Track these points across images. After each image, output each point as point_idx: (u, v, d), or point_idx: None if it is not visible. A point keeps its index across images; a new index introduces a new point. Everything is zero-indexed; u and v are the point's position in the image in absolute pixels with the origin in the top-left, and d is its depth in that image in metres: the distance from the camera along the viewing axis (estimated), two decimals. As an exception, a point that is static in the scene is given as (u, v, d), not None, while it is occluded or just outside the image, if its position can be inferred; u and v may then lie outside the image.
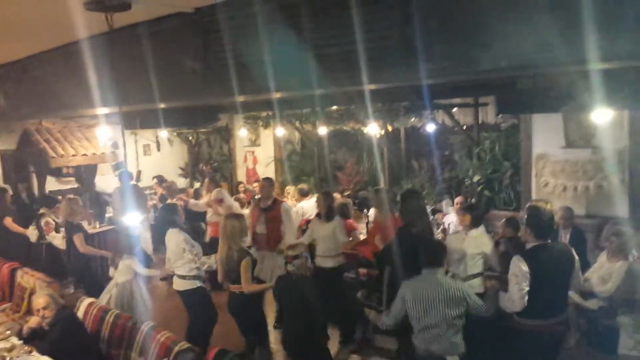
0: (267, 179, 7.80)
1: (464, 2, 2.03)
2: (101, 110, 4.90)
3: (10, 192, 9.55)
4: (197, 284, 6.06)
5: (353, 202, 9.61)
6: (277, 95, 3.34)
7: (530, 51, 1.96)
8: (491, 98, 9.04)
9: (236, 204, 9.44)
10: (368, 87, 2.27)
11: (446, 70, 2.10)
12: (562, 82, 4.06)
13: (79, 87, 3.74)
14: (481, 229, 5.74)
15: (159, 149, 13.55)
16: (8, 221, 8.99)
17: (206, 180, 11.82)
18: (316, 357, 5.18)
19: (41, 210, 8.25)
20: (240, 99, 3.39)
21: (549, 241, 4.46)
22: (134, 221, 6.03)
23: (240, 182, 12.44)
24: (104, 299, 6.29)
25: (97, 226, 9.13)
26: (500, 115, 8.96)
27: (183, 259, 5.96)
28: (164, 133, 12.50)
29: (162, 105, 5.38)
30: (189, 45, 2.88)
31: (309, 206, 9.14)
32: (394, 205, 6.40)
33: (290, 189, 10.88)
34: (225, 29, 2.86)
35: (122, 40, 3.08)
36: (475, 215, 5.70)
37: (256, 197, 8.64)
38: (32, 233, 8.38)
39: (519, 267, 4.30)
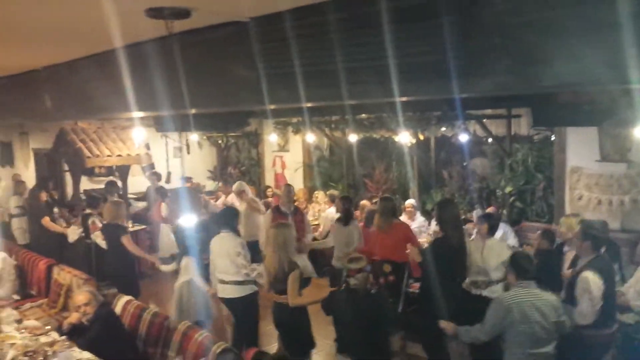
0: (288, 186, 8.17)
1: (525, 18, 2.06)
2: (145, 113, 5.03)
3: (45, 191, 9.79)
4: (254, 288, 5.95)
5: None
6: (343, 103, 3.39)
7: (594, 68, 1.98)
8: (524, 110, 9.03)
9: (257, 199, 9.55)
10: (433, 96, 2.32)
11: (508, 85, 2.13)
12: (603, 97, 4.04)
13: (132, 90, 3.85)
14: (498, 235, 6.06)
15: (188, 152, 13.71)
16: (46, 220, 9.22)
17: (220, 183, 12.02)
18: None
19: (87, 210, 8.34)
20: (288, 105, 3.47)
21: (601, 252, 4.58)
22: (190, 222, 6.19)
23: (268, 187, 12.54)
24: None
25: (131, 226, 9.29)
26: (533, 128, 8.93)
27: (235, 264, 5.81)
28: (194, 136, 12.64)
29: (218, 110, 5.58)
30: (242, 53, 2.95)
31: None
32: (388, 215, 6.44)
33: (319, 193, 10.98)
34: (278, 38, 2.93)
35: (175, 47, 3.17)
36: (492, 224, 5.82)
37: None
38: (72, 232, 8.59)
39: (594, 283, 4.37)
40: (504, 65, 2.06)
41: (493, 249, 5.66)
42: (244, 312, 5.93)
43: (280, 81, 2.97)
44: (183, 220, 6.46)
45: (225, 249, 5.88)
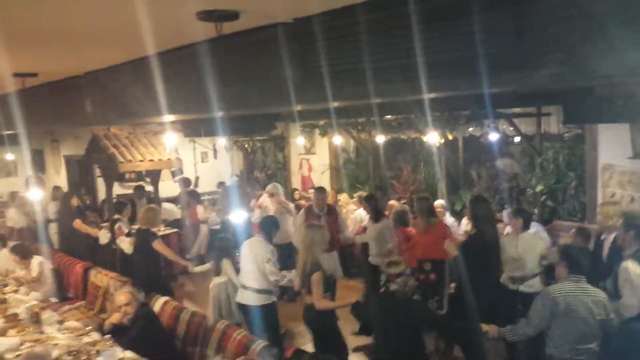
0: (319, 189, 8.16)
1: (579, 9, 2.08)
2: (184, 117, 5.09)
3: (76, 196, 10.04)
4: (273, 299, 5.86)
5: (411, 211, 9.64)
6: (374, 101, 3.42)
7: None
8: (554, 108, 8.97)
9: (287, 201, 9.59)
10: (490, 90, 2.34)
11: (563, 78, 2.14)
12: (638, 89, 4.01)
13: (170, 94, 3.94)
14: (532, 230, 6.07)
15: (215, 157, 13.88)
16: (78, 223, 9.40)
17: (249, 188, 12.07)
18: None
19: (116, 216, 8.40)
20: (335, 104, 3.51)
21: None
22: (239, 220, 6.38)
23: (295, 189, 12.64)
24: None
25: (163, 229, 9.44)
26: (564, 125, 8.86)
27: (262, 271, 5.71)
28: (221, 140, 12.78)
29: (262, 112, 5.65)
30: (287, 54, 3.00)
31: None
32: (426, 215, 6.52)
33: (342, 196, 11.03)
34: (321, 39, 2.97)
35: (223, 48, 3.24)
36: (526, 218, 5.88)
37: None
38: (104, 235, 8.73)
39: (634, 273, 4.37)
40: (558, 58, 2.08)
41: (528, 242, 5.69)
42: (260, 322, 5.74)
43: (318, 81, 3.00)
44: (234, 217, 6.58)
45: (254, 254, 5.80)
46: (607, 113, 6.40)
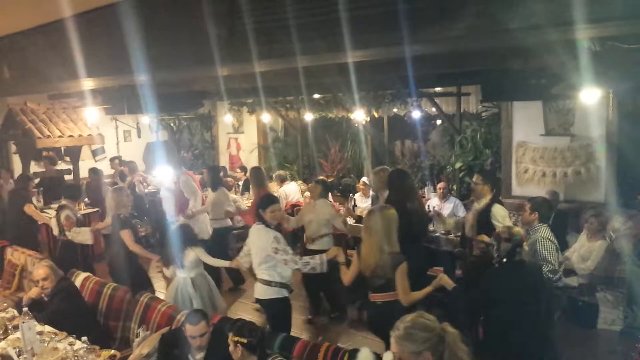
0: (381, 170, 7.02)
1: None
2: (99, 83, 4.92)
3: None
4: (284, 293, 5.16)
5: (337, 189, 9.84)
6: (302, 64, 3.45)
7: (562, 10, 2.13)
8: (473, 88, 9.36)
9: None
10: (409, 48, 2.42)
11: (479, 29, 2.26)
12: (552, 61, 4.26)
13: (92, 56, 3.83)
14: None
15: (139, 136, 13.51)
16: (29, 208, 8.12)
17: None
18: None
19: (62, 202, 7.22)
20: (264, 67, 3.51)
21: None
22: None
23: (223, 167, 12.53)
24: (168, 298, 5.61)
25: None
26: (481, 103, 9.25)
27: (271, 262, 5.06)
28: (145, 119, 12.46)
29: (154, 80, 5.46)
30: (214, 11, 2.97)
31: (291, 190, 9.62)
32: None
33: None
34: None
35: (148, 7, 3.18)
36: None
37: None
38: (54, 224, 7.28)
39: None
40: (474, 11, 2.20)
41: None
42: (272, 318, 5.25)
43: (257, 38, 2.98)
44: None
45: (259, 244, 5.14)
46: (522, 91, 6.80)
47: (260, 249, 5.07)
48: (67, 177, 10.97)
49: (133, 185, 9.77)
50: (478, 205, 5.76)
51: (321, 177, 7.63)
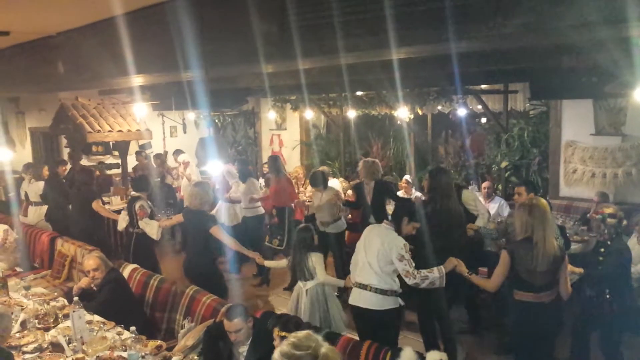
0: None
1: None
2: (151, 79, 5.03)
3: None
4: (400, 302, 4.72)
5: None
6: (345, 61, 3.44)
7: (618, 6, 2.07)
8: (521, 86, 9.16)
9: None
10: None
11: (533, 25, 2.21)
12: (604, 58, 4.13)
13: (145, 53, 3.91)
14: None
15: (185, 131, 13.74)
16: (97, 204, 8.02)
17: None
18: None
19: (134, 193, 7.17)
20: (313, 64, 3.53)
21: None
22: None
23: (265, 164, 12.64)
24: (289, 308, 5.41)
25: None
26: (529, 103, 9.07)
27: (391, 268, 4.59)
28: (191, 115, 12.67)
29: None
30: (265, 7, 2.99)
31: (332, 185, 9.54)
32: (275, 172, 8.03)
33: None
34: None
35: (196, 5, 3.23)
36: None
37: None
38: (122, 218, 7.18)
39: None
40: (527, 7, 2.15)
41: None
42: (380, 329, 4.65)
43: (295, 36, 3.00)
44: None
45: (379, 247, 4.61)
46: (572, 89, 6.61)
47: (381, 253, 4.57)
48: (116, 171, 11.33)
49: (163, 175, 10.16)
50: None
51: None
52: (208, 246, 5.97)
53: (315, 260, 5.24)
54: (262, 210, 8.40)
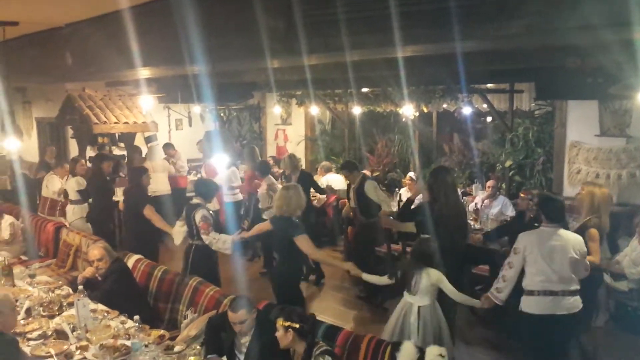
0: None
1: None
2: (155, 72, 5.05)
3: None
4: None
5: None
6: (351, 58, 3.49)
7: (621, 9, 2.09)
8: (526, 85, 9.16)
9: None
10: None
11: (536, 28, 2.23)
12: (608, 61, 4.15)
13: (151, 46, 3.95)
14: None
15: (190, 124, 13.80)
16: (149, 210, 6.70)
17: None
18: None
19: (195, 200, 5.92)
20: (319, 60, 3.56)
21: None
22: None
23: (271, 157, 12.70)
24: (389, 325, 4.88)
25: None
26: (535, 102, 9.07)
27: (567, 273, 4.42)
28: (196, 108, 12.73)
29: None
30: (272, 3, 3.02)
31: (334, 180, 9.89)
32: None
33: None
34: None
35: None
36: None
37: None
38: (178, 232, 6.14)
39: None
40: (533, 8, 2.17)
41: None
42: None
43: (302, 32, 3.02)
44: None
45: (564, 250, 4.42)
46: (578, 90, 6.63)
47: (562, 255, 4.39)
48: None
49: None
50: None
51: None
52: (294, 256, 5.29)
53: (438, 278, 4.71)
54: (240, 197, 9.06)
